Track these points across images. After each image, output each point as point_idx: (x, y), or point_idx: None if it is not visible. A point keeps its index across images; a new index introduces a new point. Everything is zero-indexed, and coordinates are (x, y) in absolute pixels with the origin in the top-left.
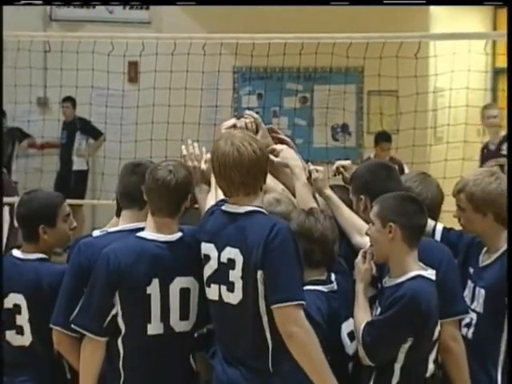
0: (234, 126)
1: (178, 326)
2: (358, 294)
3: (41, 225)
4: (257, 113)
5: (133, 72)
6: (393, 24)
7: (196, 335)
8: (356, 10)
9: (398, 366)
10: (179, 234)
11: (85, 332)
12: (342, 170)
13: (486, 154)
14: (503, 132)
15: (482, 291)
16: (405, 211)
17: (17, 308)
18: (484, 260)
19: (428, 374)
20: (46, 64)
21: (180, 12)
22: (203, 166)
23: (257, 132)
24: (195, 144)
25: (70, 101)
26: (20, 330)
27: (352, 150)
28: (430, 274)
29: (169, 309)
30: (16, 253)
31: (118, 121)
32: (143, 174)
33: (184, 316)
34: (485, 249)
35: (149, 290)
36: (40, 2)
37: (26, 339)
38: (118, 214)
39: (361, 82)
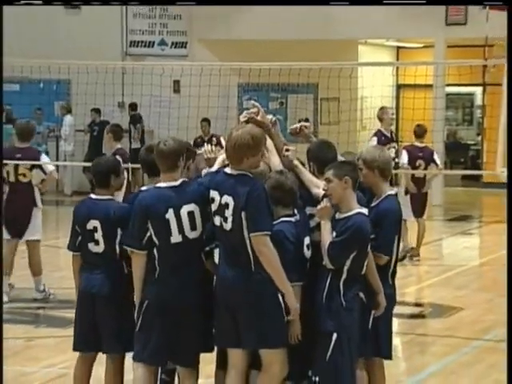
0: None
1: (191, 234)
2: (325, 225)
3: (111, 174)
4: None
5: (176, 86)
6: (336, 56)
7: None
8: (313, 48)
9: (345, 269)
10: (181, 180)
11: (131, 249)
12: (303, 128)
13: (384, 140)
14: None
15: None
16: (350, 169)
17: (95, 228)
18: (374, 201)
19: (362, 272)
20: (123, 81)
21: (206, 49)
22: (213, 155)
23: (258, 114)
24: (209, 145)
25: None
26: (97, 243)
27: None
28: (365, 211)
29: (182, 225)
30: (92, 196)
31: (166, 116)
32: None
33: (193, 228)
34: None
35: (167, 216)
36: (40, 2)
37: (100, 248)
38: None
39: (316, 92)
